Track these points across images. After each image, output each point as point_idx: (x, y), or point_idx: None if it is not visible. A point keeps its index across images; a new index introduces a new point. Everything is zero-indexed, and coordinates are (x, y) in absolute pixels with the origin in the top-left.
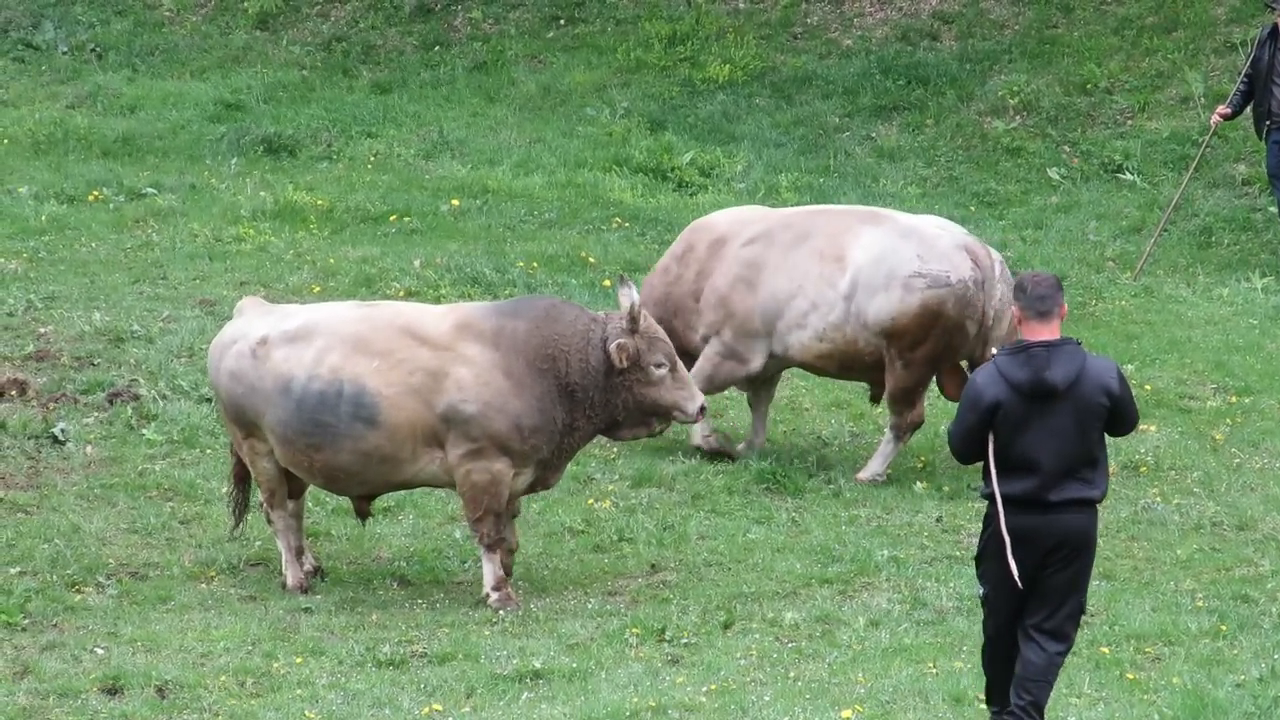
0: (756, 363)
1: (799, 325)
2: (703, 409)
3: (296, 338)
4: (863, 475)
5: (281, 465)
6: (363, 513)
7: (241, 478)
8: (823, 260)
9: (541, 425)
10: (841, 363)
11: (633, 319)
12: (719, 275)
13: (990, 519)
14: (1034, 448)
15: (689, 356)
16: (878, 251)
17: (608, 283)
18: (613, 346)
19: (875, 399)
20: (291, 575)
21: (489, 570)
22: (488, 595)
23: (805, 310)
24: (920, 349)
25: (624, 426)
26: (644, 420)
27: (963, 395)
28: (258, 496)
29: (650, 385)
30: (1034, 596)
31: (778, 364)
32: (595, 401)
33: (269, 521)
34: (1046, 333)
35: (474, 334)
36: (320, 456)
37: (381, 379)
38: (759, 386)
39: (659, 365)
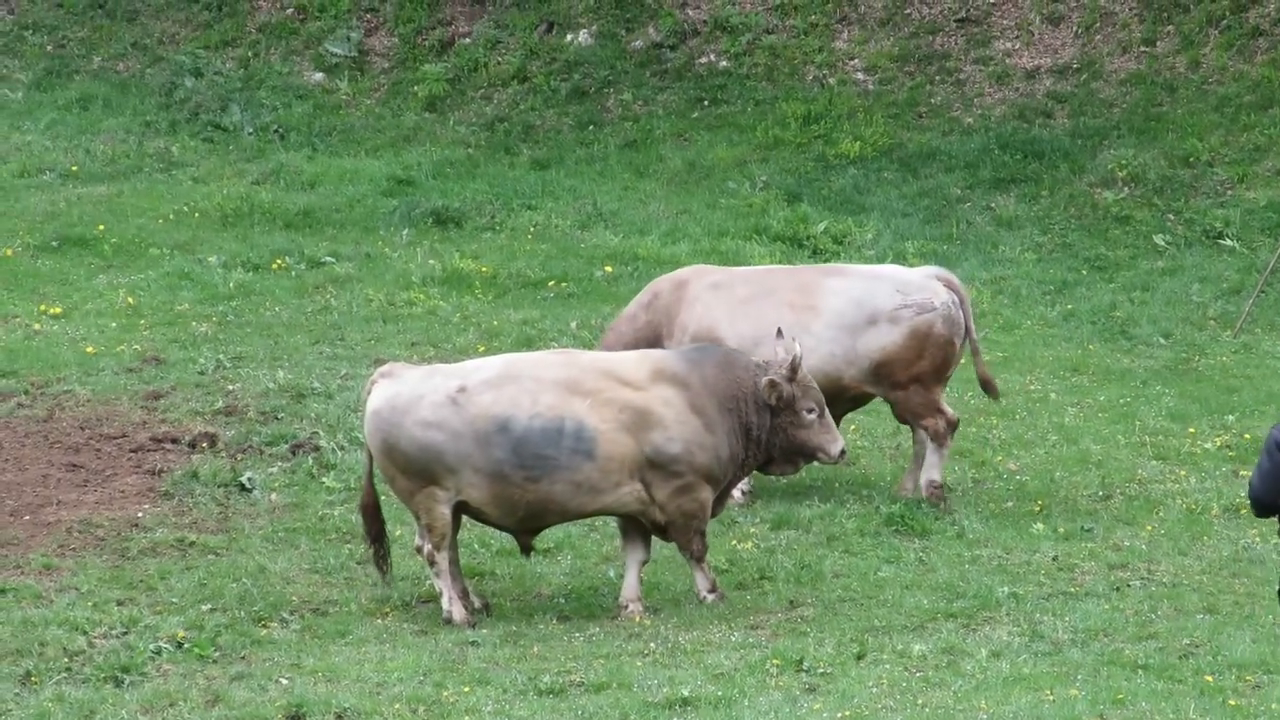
0: None
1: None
2: (843, 452)
3: (502, 382)
4: (921, 487)
5: (476, 504)
6: (527, 548)
7: (379, 536)
8: (794, 310)
9: (730, 458)
10: None
11: (793, 368)
12: (685, 315)
13: None
14: None
15: None
16: (854, 295)
17: None
18: (764, 382)
19: None
20: (458, 612)
21: (702, 578)
22: (704, 598)
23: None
24: (916, 367)
25: (775, 463)
26: (791, 459)
27: (1264, 444)
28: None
29: (801, 428)
30: None
31: None
32: (761, 440)
33: (432, 564)
34: None
35: (667, 377)
36: (535, 488)
37: (596, 415)
38: None
39: (810, 410)
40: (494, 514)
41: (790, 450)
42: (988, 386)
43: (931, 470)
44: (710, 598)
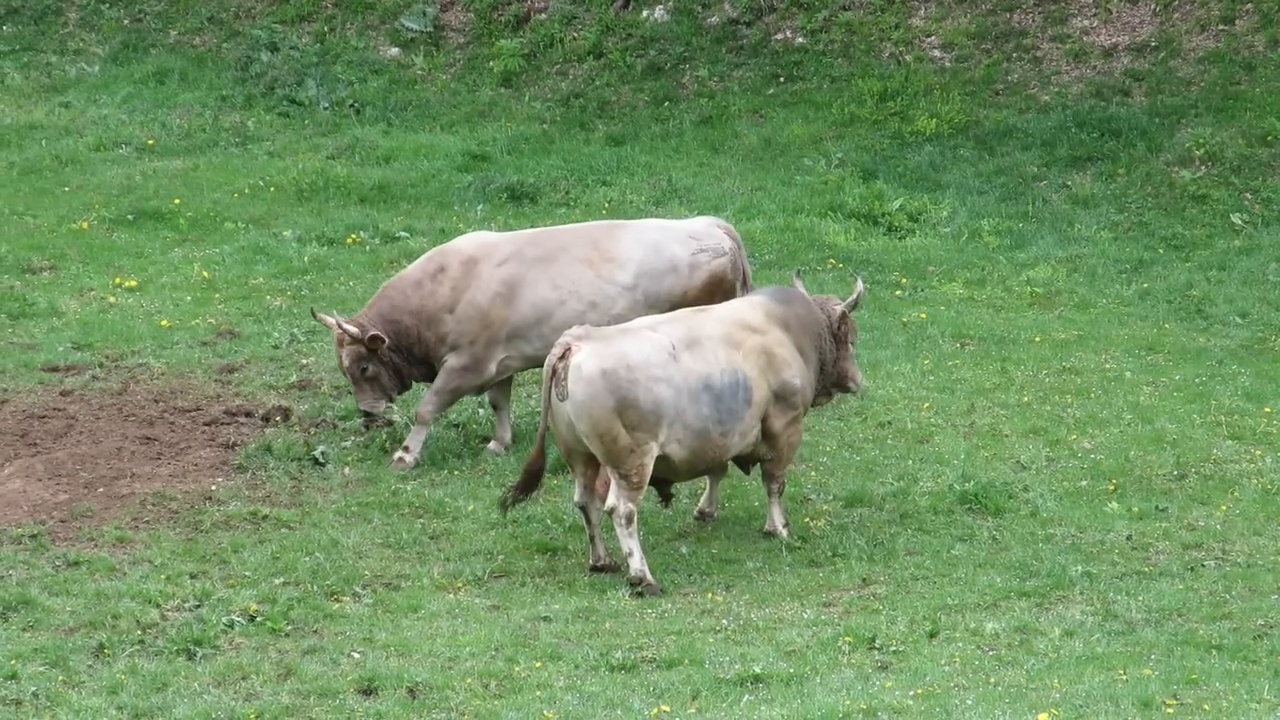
0: (490, 370)
1: (577, 325)
2: (864, 387)
3: (691, 342)
4: None
5: (675, 458)
6: (669, 498)
7: (526, 491)
8: (592, 265)
9: (812, 394)
10: None
11: (856, 302)
12: (476, 290)
13: None
14: None
15: (431, 367)
16: (649, 244)
17: None
18: (838, 314)
19: None
20: (649, 572)
21: (778, 513)
22: (778, 531)
23: (582, 310)
24: None
25: (820, 396)
26: (829, 392)
27: None
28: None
29: (848, 360)
30: None
31: (534, 364)
32: (828, 374)
33: (630, 522)
34: None
35: (776, 320)
36: (723, 441)
37: (750, 365)
38: (501, 390)
39: (854, 344)
40: (684, 469)
41: (835, 383)
42: None
43: None
44: (783, 532)
